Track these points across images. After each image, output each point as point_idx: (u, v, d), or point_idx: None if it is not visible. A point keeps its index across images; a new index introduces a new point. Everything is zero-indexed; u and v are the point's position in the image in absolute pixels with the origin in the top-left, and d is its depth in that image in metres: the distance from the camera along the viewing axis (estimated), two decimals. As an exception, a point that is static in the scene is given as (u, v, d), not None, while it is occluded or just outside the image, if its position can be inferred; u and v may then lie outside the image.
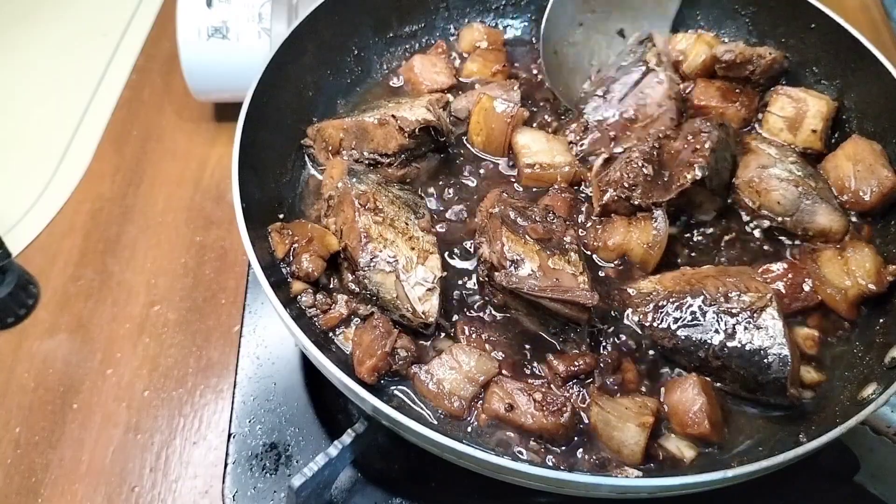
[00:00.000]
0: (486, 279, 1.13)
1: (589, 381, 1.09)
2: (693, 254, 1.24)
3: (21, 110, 1.70)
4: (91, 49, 1.79)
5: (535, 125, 1.40)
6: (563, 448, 1.04)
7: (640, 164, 1.22)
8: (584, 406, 1.06)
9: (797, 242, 1.24)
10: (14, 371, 1.30)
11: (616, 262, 1.22)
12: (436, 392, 1.05)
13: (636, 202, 1.20)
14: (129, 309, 1.38)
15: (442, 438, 0.90)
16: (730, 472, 0.89)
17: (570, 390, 1.07)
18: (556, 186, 1.30)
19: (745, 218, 1.27)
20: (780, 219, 1.24)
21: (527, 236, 1.12)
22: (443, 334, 1.13)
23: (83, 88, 1.71)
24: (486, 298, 1.16)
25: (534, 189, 1.31)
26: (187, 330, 1.35)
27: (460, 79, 1.49)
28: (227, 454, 1.17)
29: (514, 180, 1.33)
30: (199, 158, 1.60)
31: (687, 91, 1.41)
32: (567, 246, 1.13)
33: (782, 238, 1.25)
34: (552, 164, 1.30)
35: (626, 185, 1.21)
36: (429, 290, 1.10)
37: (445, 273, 1.14)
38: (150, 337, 1.35)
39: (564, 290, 1.06)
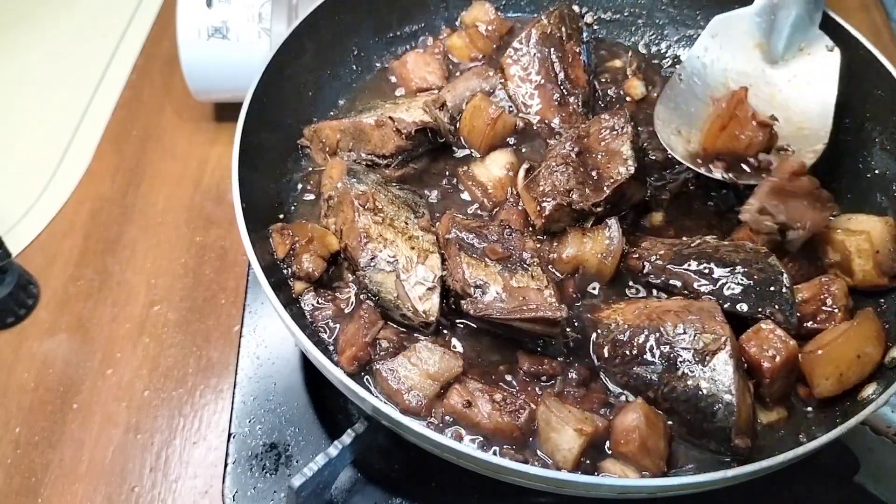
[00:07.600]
0: (454, 307, 1.12)
1: (550, 383, 1.08)
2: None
3: (21, 110, 1.70)
4: (91, 49, 1.79)
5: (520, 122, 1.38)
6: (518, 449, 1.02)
7: (567, 168, 1.18)
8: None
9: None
10: (14, 371, 1.31)
11: (572, 275, 1.18)
12: (396, 388, 1.04)
13: (578, 206, 1.16)
14: (129, 309, 1.38)
15: (442, 438, 0.91)
16: (730, 472, 0.89)
17: (532, 395, 1.06)
18: (510, 200, 1.26)
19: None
20: None
21: (486, 259, 1.11)
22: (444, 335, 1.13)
23: (83, 89, 1.71)
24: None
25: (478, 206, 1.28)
26: (187, 330, 1.35)
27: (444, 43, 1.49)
28: (227, 454, 1.17)
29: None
30: (199, 158, 1.60)
31: None
32: (528, 261, 1.12)
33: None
34: (482, 182, 1.29)
35: (564, 191, 1.16)
36: (429, 289, 1.10)
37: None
38: (150, 337, 1.35)
39: (532, 308, 1.05)
